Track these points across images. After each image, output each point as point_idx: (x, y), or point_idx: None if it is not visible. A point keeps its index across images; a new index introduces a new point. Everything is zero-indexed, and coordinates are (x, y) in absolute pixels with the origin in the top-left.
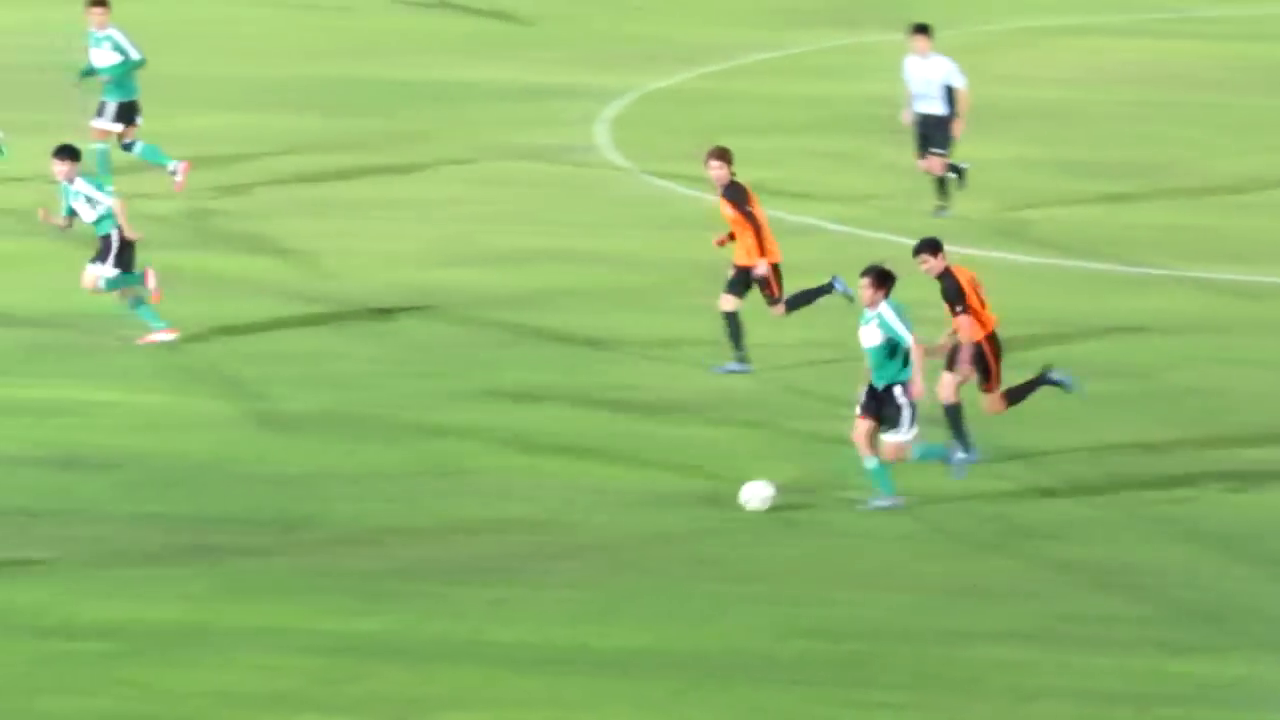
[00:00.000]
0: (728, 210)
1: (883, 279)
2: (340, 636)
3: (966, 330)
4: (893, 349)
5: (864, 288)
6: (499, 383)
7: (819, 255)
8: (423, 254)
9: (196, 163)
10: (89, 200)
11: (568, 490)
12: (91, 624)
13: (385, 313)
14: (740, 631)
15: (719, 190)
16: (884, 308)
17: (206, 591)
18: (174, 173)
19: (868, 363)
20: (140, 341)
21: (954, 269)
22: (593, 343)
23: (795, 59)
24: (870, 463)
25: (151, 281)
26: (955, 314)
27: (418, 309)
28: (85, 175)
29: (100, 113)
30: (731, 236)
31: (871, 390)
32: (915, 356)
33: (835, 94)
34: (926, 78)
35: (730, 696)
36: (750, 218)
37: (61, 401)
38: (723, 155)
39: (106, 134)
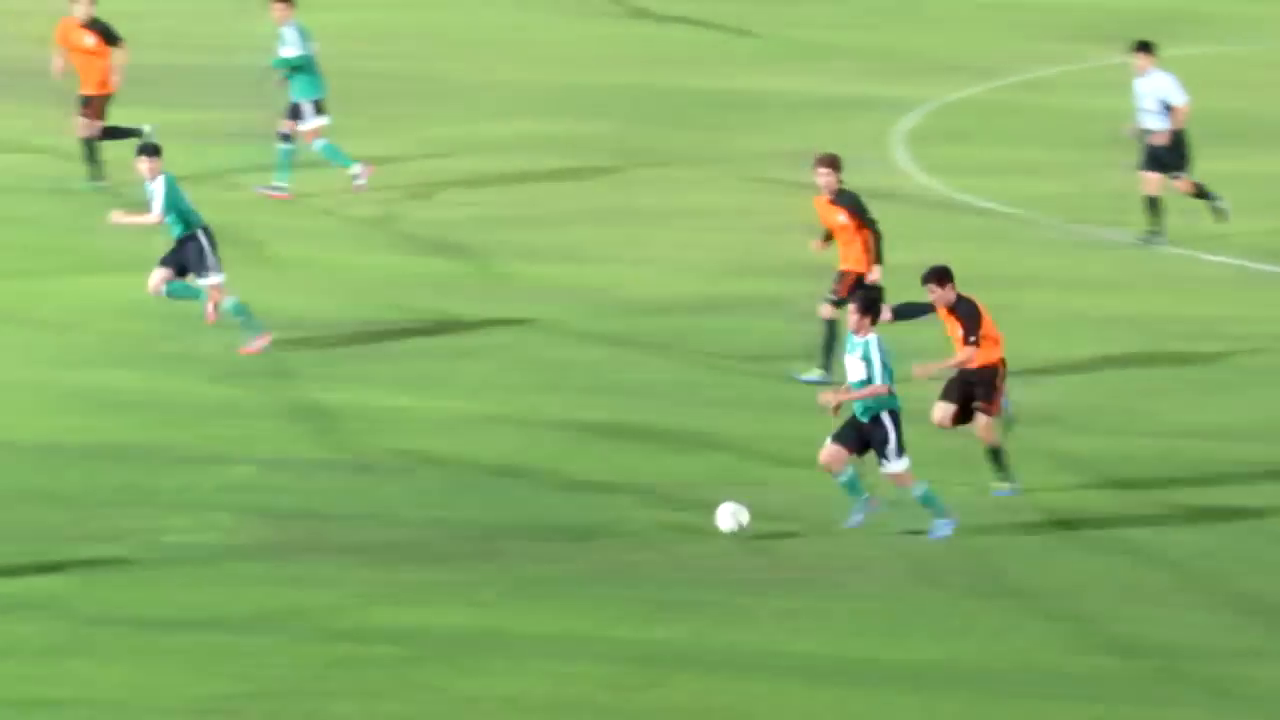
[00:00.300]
0: (837, 217)
1: (869, 306)
2: (631, 644)
3: (968, 358)
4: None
5: (851, 313)
6: (791, 392)
7: (1117, 271)
8: (715, 263)
9: (488, 170)
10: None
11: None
12: (382, 628)
13: (676, 321)
14: (1032, 647)
15: (828, 196)
16: (871, 338)
17: (497, 598)
18: (273, 190)
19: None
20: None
21: (968, 296)
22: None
23: (1094, 73)
24: (843, 477)
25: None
26: (968, 342)
27: (709, 318)
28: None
29: (300, 117)
30: (829, 239)
31: (853, 420)
32: (867, 392)
33: (1133, 109)
34: (1147, 94)
35: (1022, 712)
36: (871, 225)
37: (355, 406)
38: (832, 162)
39: (316, 132)
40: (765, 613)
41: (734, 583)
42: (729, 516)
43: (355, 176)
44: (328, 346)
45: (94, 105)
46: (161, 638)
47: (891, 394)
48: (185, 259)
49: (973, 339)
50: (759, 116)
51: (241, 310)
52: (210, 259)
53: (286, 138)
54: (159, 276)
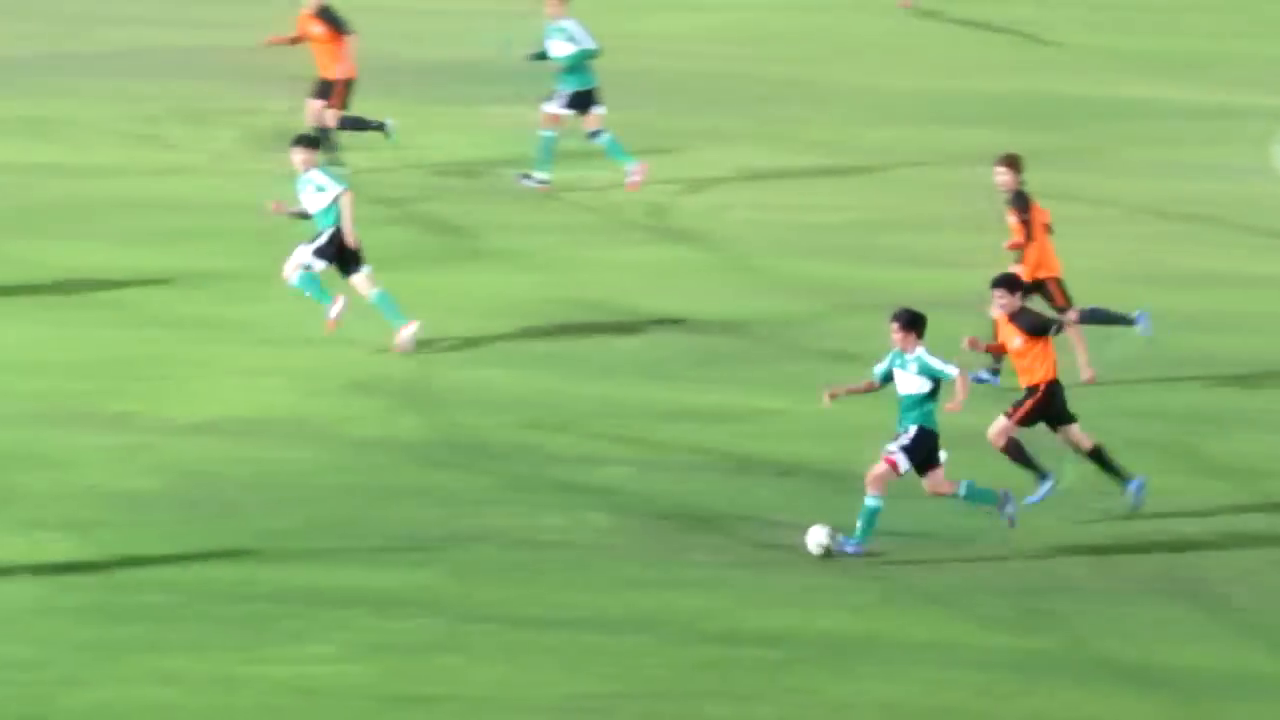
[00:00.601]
0: (1010, 219)
1: (913, 322)
2: (1006, 652)
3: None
4: (931, 394)
5: (894, 331)
6: (1165, 401)
7: None
8: (1095, 271)
9: (873, 175)
10: (319, 189)
11: (1239, 511)
12: (755, 631)
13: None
14: None
15: (1005, 197)
16: (922, 351)
17: (873, 602)
18: (631, 173)
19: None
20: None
21: (1030, 307)
22: (1261, 363)
23: None
24: (960, 494)
25: (335, 309)
26: (1054, 335)
27: (1090, 326)
28: (322, 166)
29: (551, 98)
30: (1017, 246)
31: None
32: (962, 384)
33: None
34: None
35: None
36: (1027, 227)
37: (732, 408)
38: (1011, 162)
39: (555, 119)
40: (1142, 623)
41: (1109, 592)
42: (814, 544)
43: (536, 180)
44: (705, 348)
45: (337, 91)
46: (534, 636)
47: (928, 410)
48: (338, 244)
49: (1054, 329)
50: (1141, 124)
51: (314, 284)
52: (326, 251)
53: (596, 134)
54: (363, 277)
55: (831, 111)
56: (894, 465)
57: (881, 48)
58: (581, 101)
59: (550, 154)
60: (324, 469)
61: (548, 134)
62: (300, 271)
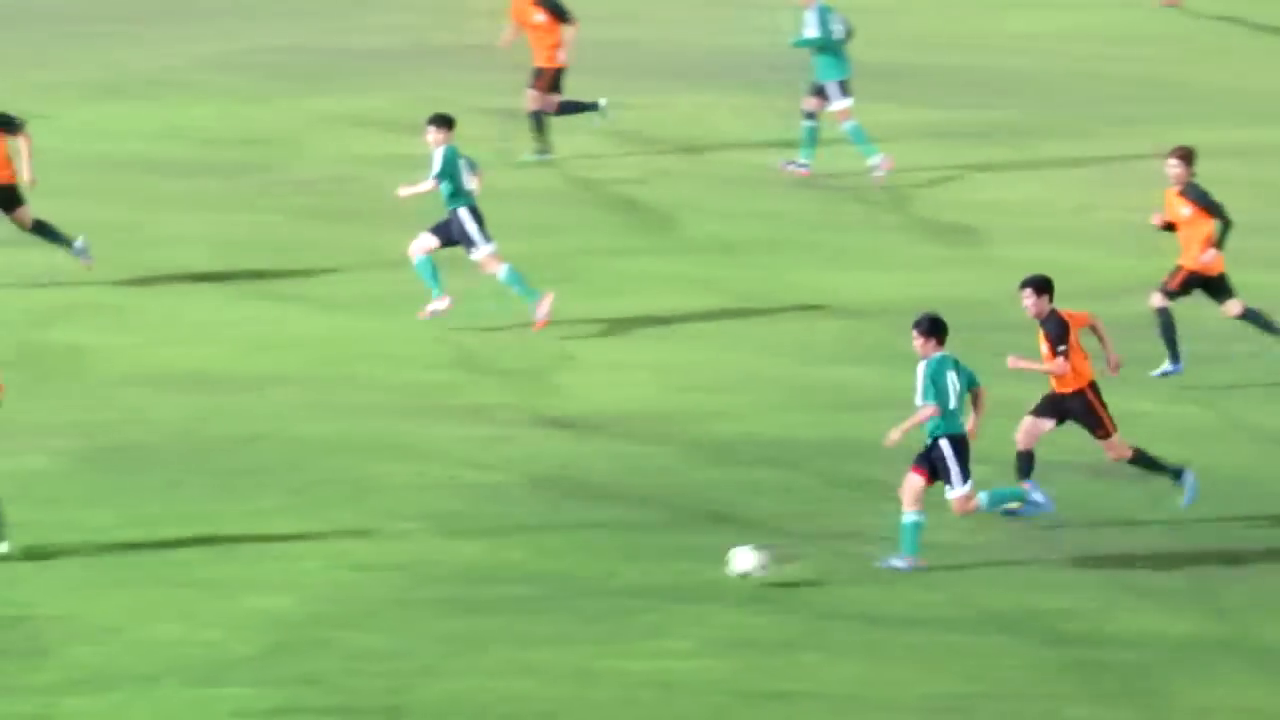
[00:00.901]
0: (1184, 209)
1: (930, 330)
2: None
3: (1057, 370)
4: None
5: (915, 339)
6: None
7: None
8: None
9: (1243, 177)
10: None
11: None
12: (1117, 633)
13: None
14: None
15: (1176, 188)
16: (923, 362)
17: (1236, 606)
18: (802, 165)
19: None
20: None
21: (1061, 312)
22: None
23: None
24: (908, 518)
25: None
26: (1055, 353)
27: None
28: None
29: (824, 96)
30: (1170, 226)
31: (926, 446)
32: (915, 417)
33: None
34: None
35: None
36: (1217, 213)
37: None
38: (1185, 155)
39: (845, 113)
40: None
41: None
42: (743, 567)
43: (874, 168)
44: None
45: (544, 78)
46: (894, 635)
47: (948, 417)
48: (450, 232)
49: (1061, 348)
50: None
51: (516, 279)
52: (475, 234)
53: (811, 116)
54: (420, 243)
55: (1194, 112)
56: (965, 502)
57: (1246, 50)
58: (845, 90)
59: (865, 138)
60: (687, 464)
61: (851, 126)
62: (502, 268)
